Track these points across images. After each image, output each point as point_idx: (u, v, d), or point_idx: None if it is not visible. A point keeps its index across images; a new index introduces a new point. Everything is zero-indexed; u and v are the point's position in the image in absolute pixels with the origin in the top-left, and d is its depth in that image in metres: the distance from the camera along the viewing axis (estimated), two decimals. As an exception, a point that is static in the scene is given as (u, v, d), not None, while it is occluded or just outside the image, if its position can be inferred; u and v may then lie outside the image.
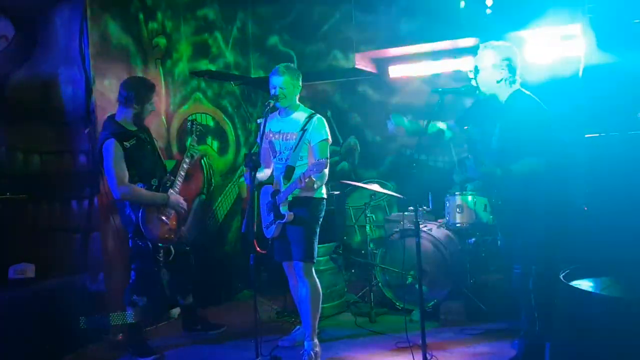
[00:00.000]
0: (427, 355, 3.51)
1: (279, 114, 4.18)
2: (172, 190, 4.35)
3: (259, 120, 3.91)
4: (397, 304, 5.02)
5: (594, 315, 2.57)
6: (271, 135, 4.14)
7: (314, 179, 3.84)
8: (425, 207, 5.47)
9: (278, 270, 5.50)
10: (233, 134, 6.45)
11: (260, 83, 6.54)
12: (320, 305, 4.15)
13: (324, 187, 4.13)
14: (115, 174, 4.06)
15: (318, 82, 6.80)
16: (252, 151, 3.92)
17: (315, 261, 4.08)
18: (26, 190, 4.66)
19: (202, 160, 5.99)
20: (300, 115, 4.09)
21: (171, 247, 4.42)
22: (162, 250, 4.33)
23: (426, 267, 4.82)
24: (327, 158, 3.88)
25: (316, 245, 4.07)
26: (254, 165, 3.67)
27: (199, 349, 4.46)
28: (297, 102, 4.14)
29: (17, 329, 3.94)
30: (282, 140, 4.10)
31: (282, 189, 3.99)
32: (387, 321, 4.83)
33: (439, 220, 5.33)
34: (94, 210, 4.73)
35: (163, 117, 5.41)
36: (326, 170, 3.92)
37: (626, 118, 4.04)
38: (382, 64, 6.46)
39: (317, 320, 4.12)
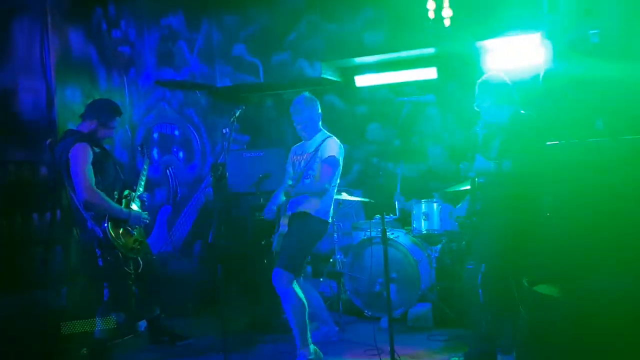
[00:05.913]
0: (396, 362, 3.53)
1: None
2: (133, 205, 4.33)
3: (224, 130, 3.88)
4: (366, 311, 5.03)
5: (555, 318, 2.63)
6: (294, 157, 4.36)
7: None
8: (392, 215, 5.51)
9: (247, 281, 5.48)
10: (199, 143, 6.40)
11: (226, 92, 6.52)
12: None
13: (323, 208, 4.13)
14: (85, 177, 3.97)
15: (284, 91, 6.81)
16: (218, 161, 3.89)
17: (293, 274, 4.00)
18: (-15, 203, 4.54)
19: (168, 170, 5.93)
20: (318, 138, 4.26)
21: (139, 258, 4.36)
22: (131, 262, 4.26)
23: (394, 275, 4.86)
24: (330, 177, 4.06)
25: (300, 260, 4.06)
26: (221, 175, 3.64)
27: (166, 363, 4.41)
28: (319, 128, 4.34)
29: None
30: (297, 161, 4.31)
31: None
32: (356, 329, 4.85)
33: (406, 228, 5.37)
34: (56, 223, 4.64)
35: (127, 127, 5.34)
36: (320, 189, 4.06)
37: (586, 126, 4.15)
38: (349, 73, 6.50)
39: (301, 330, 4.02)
